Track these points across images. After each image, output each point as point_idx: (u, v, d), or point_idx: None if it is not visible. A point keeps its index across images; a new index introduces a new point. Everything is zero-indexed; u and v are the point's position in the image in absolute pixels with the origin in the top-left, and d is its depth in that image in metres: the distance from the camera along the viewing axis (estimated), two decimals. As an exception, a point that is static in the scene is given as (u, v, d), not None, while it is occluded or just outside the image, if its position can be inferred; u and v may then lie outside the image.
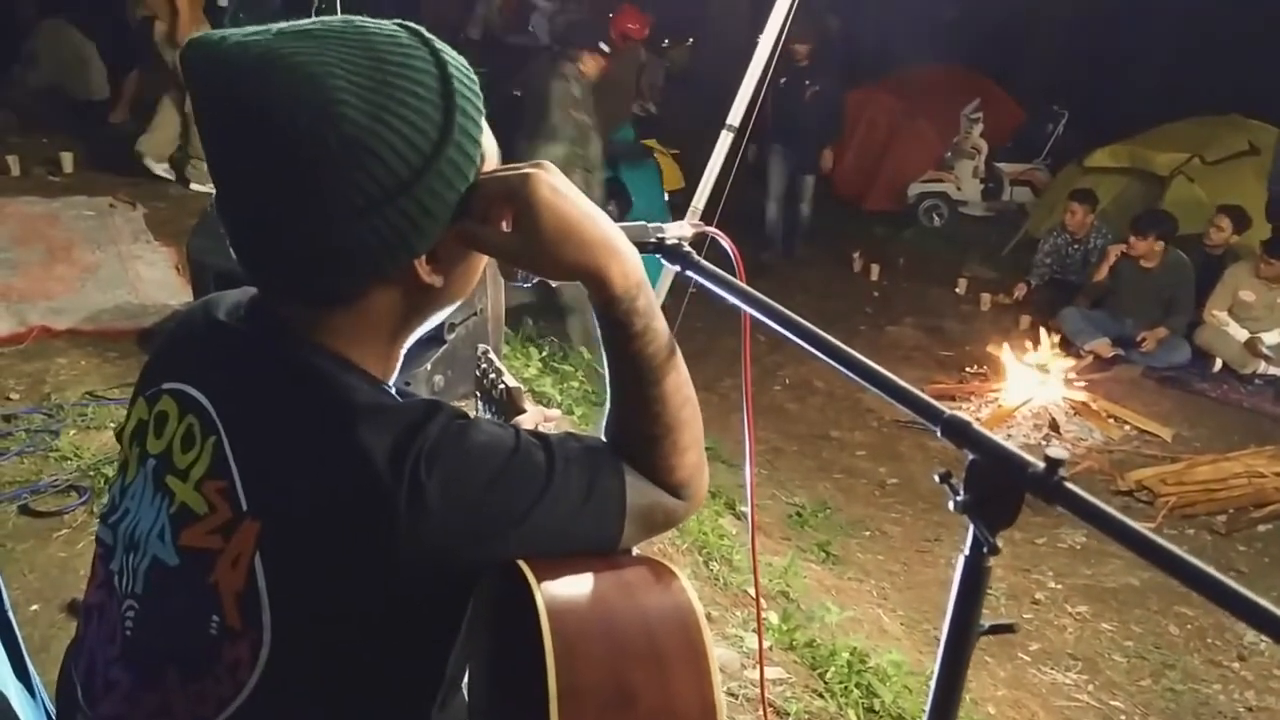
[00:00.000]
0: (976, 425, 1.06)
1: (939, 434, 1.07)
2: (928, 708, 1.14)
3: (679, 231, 1.50)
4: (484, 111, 1.09)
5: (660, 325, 1.16)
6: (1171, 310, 7.64)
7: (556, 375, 5.38)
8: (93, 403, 3.91)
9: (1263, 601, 0.85)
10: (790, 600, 3.42)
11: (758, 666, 2.83)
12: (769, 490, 5.55)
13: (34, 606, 2.70)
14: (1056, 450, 0.97)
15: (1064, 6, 13.63)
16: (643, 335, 1.14)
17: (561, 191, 1.08)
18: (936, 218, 11.15)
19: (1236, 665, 4.34)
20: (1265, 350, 7.40)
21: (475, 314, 3.81)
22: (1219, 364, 7.60)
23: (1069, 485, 0.97)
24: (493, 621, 1.17)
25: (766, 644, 2.95)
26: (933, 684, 1.14)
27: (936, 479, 1.06)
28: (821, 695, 2.75)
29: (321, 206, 1.01)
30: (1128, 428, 6.72)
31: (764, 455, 6.03)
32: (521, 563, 1.06)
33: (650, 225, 1.49)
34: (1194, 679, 4.22)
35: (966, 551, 1.07)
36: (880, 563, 4.96)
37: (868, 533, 5.32)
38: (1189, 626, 4.58)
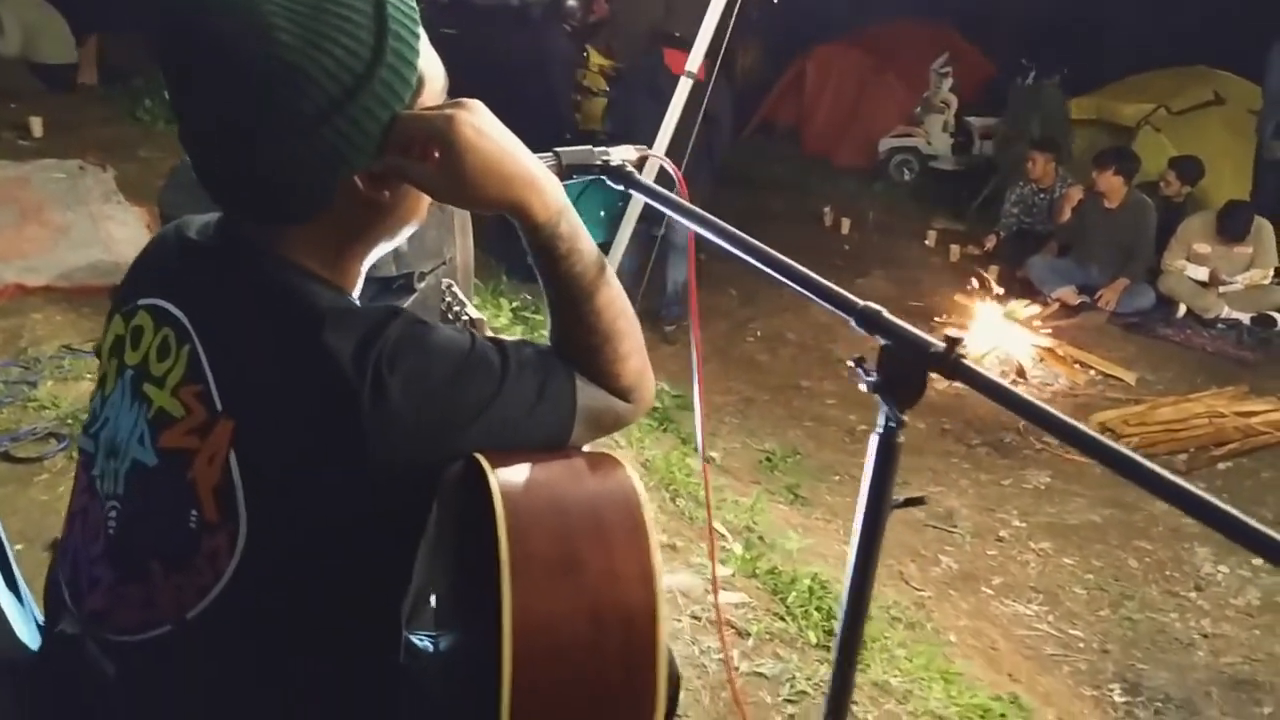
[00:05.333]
0: (887, 314, 1.15)
1: (853, 323, 1.16)
2: (848, 574, 1.23)
3: (623, 154, 1.59)
4: (419, 36, 1.15)
5: (585, 246, 1.24)
6: (1132, 255, 7.76)
7: (527, 325, 5.45)
8: (69, 355, 3.97)
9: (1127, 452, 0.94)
10: (754, 533, 3.52)
11: (722, 592, 2.94)
12: (739, 438, 5.65)
13: (18, 546, 2.78)
14: (954, 331, 1.06)
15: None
16: (568, 257, 1.22)
17: (483, 130, 1.15)
18: (907, 172, 11.20)
19: (1193, 595, 4.47)
20: (1225, 278, 7.56)
21: (444, 263, 3.87)
22: (1183, 309, 7.73)
23: (966, 361, 1.06)
24: (457, 528, 1.26)
25: (729, 571, 3.05)
26: (852, 553, 1.23)
27: (850, 363, 1.15)
28: (782, 618, 2.85)
29: (264, 126, 1.09)
30: (1092, 372, 6.84)
31: (735, 405, 6.13)
32: (478, 454, 1.15)
33: (596, 150, 1.58)
34: (1151, 608, 4.34)
35: (879, 429, 1.16)
36: (848, 504, 5.05)
37: (836, 477, 5.41)
38: (1148, 560, 4.70)
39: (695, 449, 4.91)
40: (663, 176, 1.98)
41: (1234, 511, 0.92)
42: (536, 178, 1.20)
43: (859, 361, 1.15)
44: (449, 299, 2.27)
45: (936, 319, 7.54)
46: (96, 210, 5.41)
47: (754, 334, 7.22)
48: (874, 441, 1.17)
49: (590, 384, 1.25)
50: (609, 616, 1.10)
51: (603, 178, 1.56)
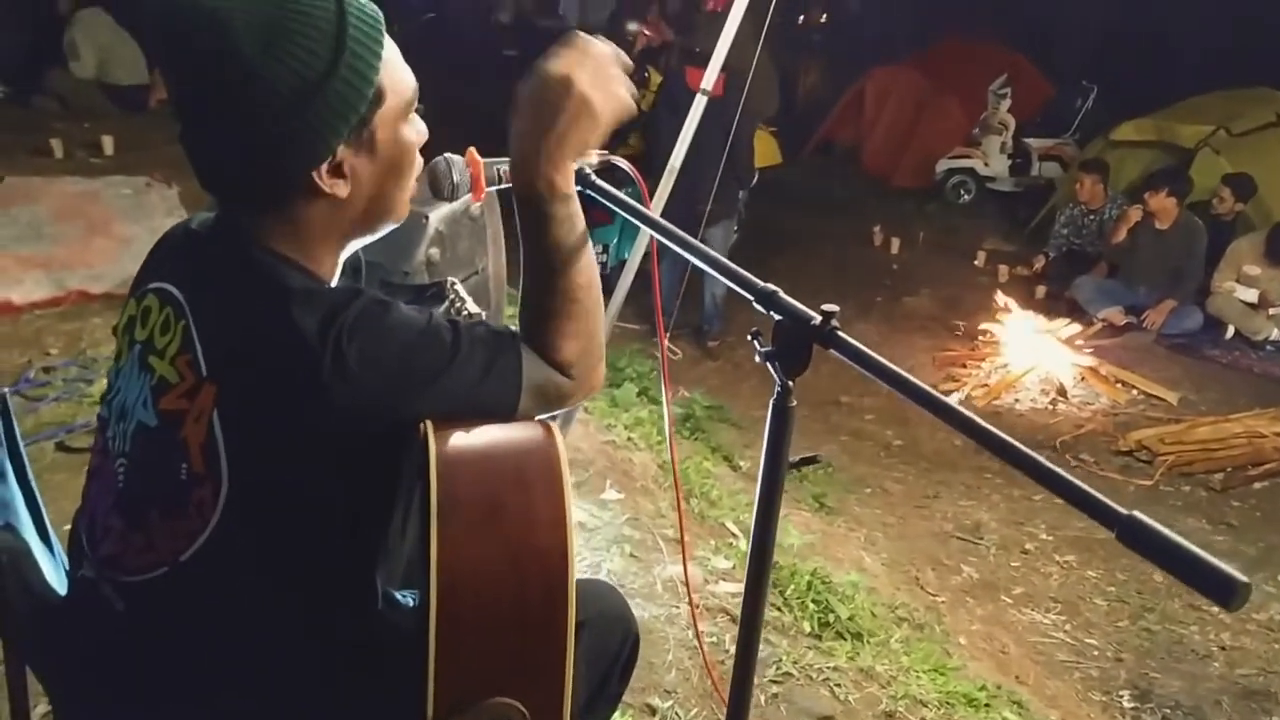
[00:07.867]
0: (781, 294, 1.29)
1: (754, 302, 1.31)
2: (753, 525, 1.37)
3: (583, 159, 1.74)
4: (379, 55, 1.30)
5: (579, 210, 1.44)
6: (1181, 276, 7.74)
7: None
8: (125, 357, 4.23)
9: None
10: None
11: (721, 582, 3.07)
12: (774, 450, 5.76)
13: (66, 527, 2.98)
14: (830, 306, 1.21)
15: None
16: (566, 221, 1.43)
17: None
18: (964, 194, 11.26)
19: (1215, 610, 4.47)
20: (1275, 300, 7.53)
21: (476, 273, 4.02)
22: (1231, 331, 7.69)
23: (839, 333, 1.20)
24: (424, 493, 1.41)
25: (730, 565, 3.18)
26: (755, 507, 1.37)
27: (749, 337, 1.29)
28: (779, 608, 2.96)
29: (228, 120, 1.26)
30: (1134, 392, 6.82)
31: (773, 420, 6.22)
32: (428, 420, 1.31)
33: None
34: (1171, 620, 4.37)
35: (774, 396, 1.30)
36: (876, 516, 5.15)
37: (868, 490, 5.50)
38: (1173, 574, 4.71)
39: (724, 456, 5.05)
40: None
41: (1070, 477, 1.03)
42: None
43: (755, 334, 1.29)
44: (452, 295, 2.46)
45: (981, 338, 7.59)
46: (160, 225, 5.62)
47: (798, 350, 7.29)
48: (770, 407, 1.31)
49: (536, 359, 1.41)
50: (525, 554, 1.25)
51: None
